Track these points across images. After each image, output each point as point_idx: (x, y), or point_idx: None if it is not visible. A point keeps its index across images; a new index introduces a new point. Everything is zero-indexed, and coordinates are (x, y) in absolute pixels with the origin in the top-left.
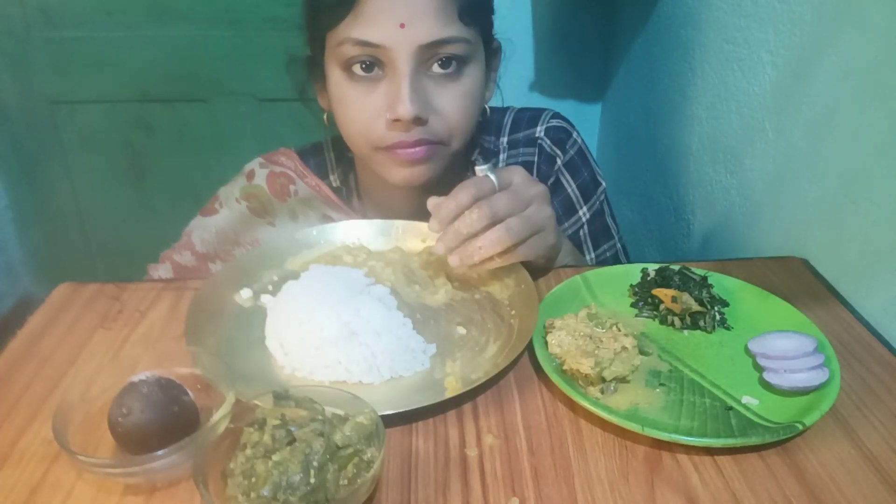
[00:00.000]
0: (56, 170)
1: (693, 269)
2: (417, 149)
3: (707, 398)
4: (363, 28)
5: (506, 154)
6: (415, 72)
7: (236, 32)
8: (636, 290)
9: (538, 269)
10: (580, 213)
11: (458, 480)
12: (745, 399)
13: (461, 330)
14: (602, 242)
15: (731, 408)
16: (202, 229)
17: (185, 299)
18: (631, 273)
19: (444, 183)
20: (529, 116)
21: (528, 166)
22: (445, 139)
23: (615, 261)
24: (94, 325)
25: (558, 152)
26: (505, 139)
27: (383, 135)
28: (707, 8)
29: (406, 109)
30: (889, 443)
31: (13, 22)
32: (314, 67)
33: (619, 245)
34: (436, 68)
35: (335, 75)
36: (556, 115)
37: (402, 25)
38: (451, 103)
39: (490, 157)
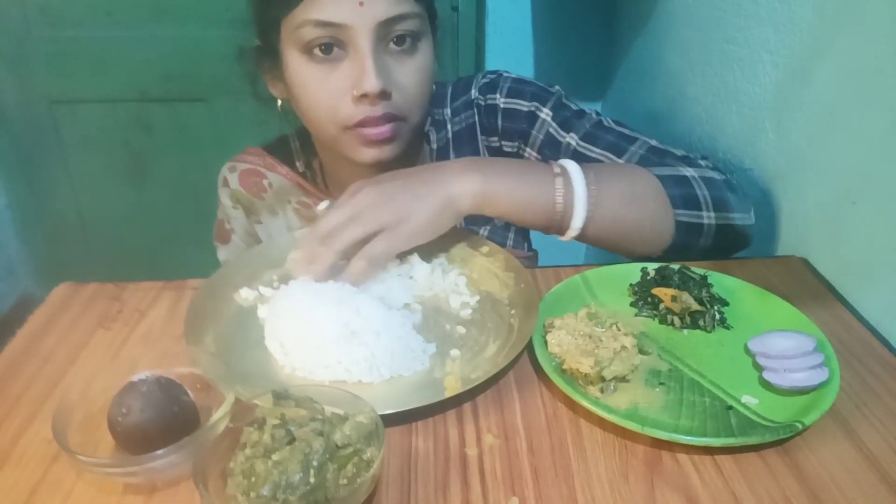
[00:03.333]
0: (56, 170)
1: (693, 269)
2: (384, 128)
3: (707, 397)
4: (321, 9)
5: (451, 123)
6: (375, 48)
7: (236, 32)
8: (636, 289)
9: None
10: (542, 115)
11: (458, 480)
12: (745, 398)
13: (461, 329)
14: (575, 123)
15: (730, 407)
16: (230, 255)
17: (185, 299)
18: (631, 272)
19: (404, 157)
20: (465, 83)
21: (471, 128)
22: (407, 114)
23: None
24: (94, 325)
25: (495, 95)
26: (448, 109)
27: (350, 113)
28: (707, 7)
29: (372, 84)
30: (889, 443)
31: (13, 22)
32: (265, 57)
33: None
34: (392, 45)
35: (294, 60)
36: (487, 73)
37: (361, 3)
38: (410, 78)
39: (441, 128)
